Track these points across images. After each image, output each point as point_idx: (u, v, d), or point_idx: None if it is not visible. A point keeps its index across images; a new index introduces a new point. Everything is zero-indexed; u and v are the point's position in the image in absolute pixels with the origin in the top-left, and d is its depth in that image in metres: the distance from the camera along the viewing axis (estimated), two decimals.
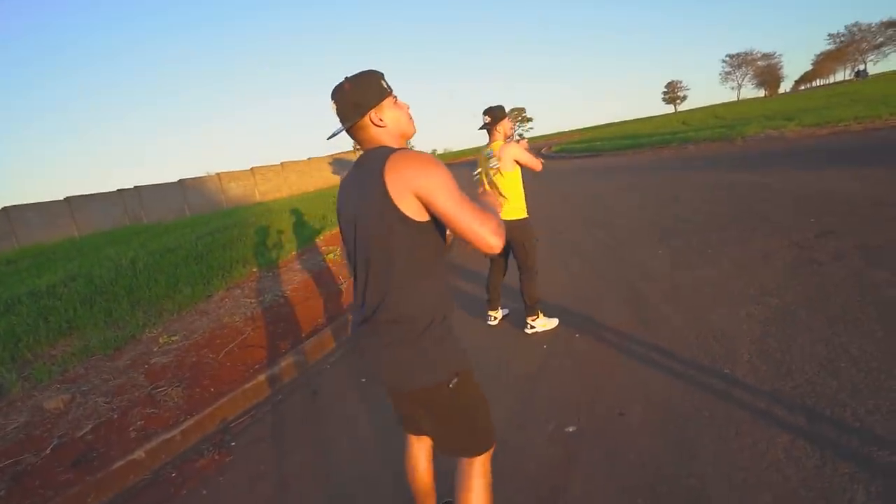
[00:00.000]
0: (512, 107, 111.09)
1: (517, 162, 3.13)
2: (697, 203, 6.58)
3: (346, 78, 1.23)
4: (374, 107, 1.21)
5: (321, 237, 7.66)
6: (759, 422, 2.02)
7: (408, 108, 1.30)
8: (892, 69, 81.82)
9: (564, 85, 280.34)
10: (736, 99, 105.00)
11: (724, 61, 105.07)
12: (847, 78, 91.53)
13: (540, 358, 2.99)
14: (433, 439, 1.46)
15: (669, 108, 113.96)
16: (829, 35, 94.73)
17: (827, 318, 2.77)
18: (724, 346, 2.69)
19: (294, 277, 5.48)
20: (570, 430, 2.21)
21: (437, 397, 1.23)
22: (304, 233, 7.94)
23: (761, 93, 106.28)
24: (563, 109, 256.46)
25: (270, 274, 5.72)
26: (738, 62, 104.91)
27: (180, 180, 22.53)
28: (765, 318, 2.93)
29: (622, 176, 11.53)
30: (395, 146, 1.24)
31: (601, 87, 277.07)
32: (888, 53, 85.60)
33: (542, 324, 3.32)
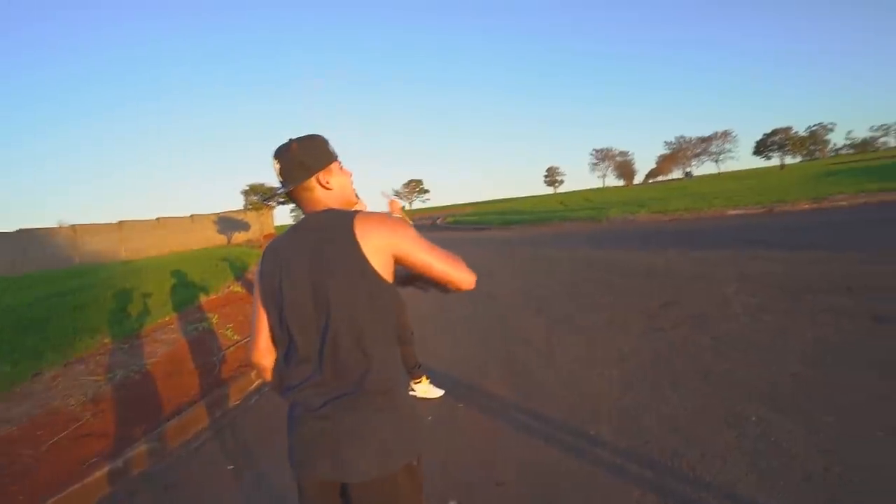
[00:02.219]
0: (409, 178, 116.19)
1: None
2: (571, 276, 7.37)
3: (293, 139, 1.21)
4: (321, 169, 1.20)
5: (200, 301, 6.97)
6: (618, 479, 2.22)
7: (351, 175, 1.31)
8: (709, 172, 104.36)
9: (461, 162, 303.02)
10: (602, 186, 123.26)
11: (591, 154, 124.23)
12: (680, 176, 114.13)
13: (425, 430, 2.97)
14: None
15: (550, 190, 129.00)
16: (665, 142, 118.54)
17: (668, 380, 3.22)
18: (590, 407, 2.96)
19: (158, 349, 4.85)
20: None
21: (402, 479, 1.11)
22: (179, 297, 7.16)
23: (621, 182, 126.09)
24: (458, 184, 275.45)
25: (127, 345, 4.99)
26: (602, 156, 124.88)
27: (19, 230, 19.16)
28: (623, 380, 3.30)
29: (508, 248, 12.51)
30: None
31: (493, 166, 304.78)
32: (705, 161, 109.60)
33: (424, 390, 3.34)
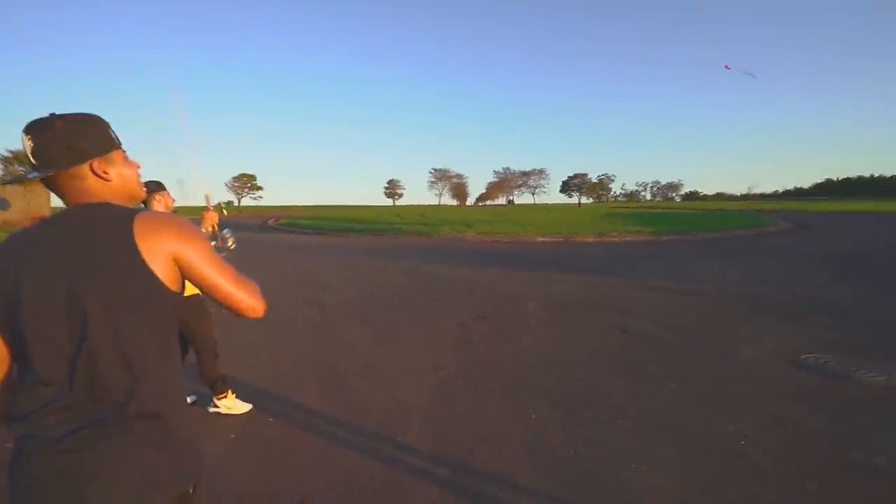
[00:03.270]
0: (241, 172, 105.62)
1: None
2: (399, 287, 7.63)
3: (55, 115, 0.99)
4: (98, 157, 1.02)
5: None
6: (420, 481, 2.36)
7: (138, 168, 1.13)
8: (527, 202, 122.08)
9: (300, 163, 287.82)
10: (438, 203, 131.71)
11: (430, 172, 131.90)
12: (504, 203, 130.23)
13: (224, 447, 2.70)
14: None
15: (389, 201, 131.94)
16: (494, 171, 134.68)
17: (474, 386, 3.58)
18: (401, 416, 3.09)
19: None
20: None
21: None
22: None
23: (455, 202, 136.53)
24: (295, 185, 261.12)
25: None
26: (440, 176, 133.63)
27: None
28: (434, 388, 3.54)
29: (342, 256, 12.32)
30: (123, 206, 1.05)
31: (333, 171, 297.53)
32: (524, 192, 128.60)
33: (228, 406, 3.07)
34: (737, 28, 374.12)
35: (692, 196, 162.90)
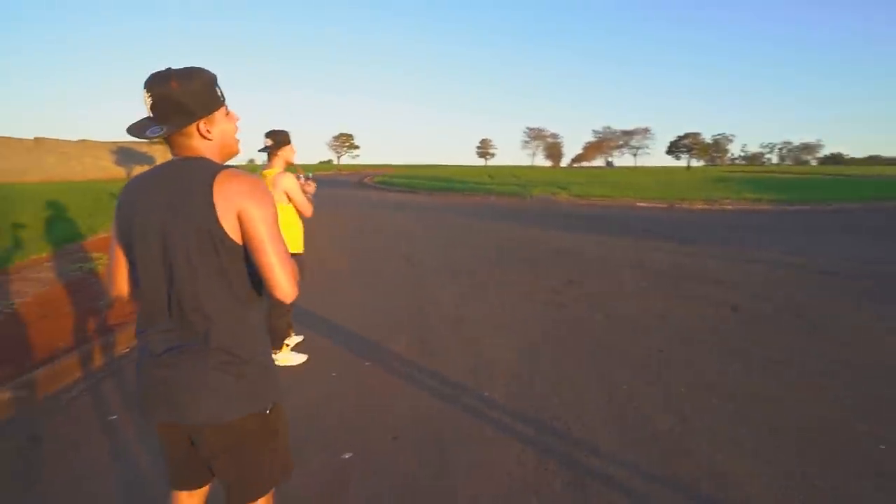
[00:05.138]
0: (340, 132, 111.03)
1: (287, 196, 3.05)
2: (489, 247, 7.65)
3: (173, 71, 1.06)
4: (205, 116, 1.09)
5: (86, 240, 6.23)
6: (502, 435, 2.43)
7: (237, 121, 1.20)
8: (627, 164, 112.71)
9: (396, 123, 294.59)
10: (531, 164, 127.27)
11: (524, 131, 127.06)
12: (603, 165, 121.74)
13: (326, 385, 3.00)
14: (229, 483, 1.23)
15: (481, 161, 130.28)
16: (593, 131, 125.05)
17: (563, 350, 3.54)
18: (488, 371, 3.17)
19: (29, 288, 4.31)
20: (347, 456, 2.27)
21: (251, 426, 1.15)
22: (59, 232, 6.35)
23: (549, 163, 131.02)
24: (390, 145, 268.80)
25: None
26: (534, 135, 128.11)
27: None
28: (522, 349, 3.56)
29: (433, 215, 12.60)
30: (218, 161, 1.15)
31: (427, 131, 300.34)
32: (625, 153, 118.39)
33: (284, 359, 3.26)
34: None
35: (834, 160, 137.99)
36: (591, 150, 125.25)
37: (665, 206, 14.82)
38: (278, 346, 3.24)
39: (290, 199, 3.06)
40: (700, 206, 14.49)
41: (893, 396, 2.81)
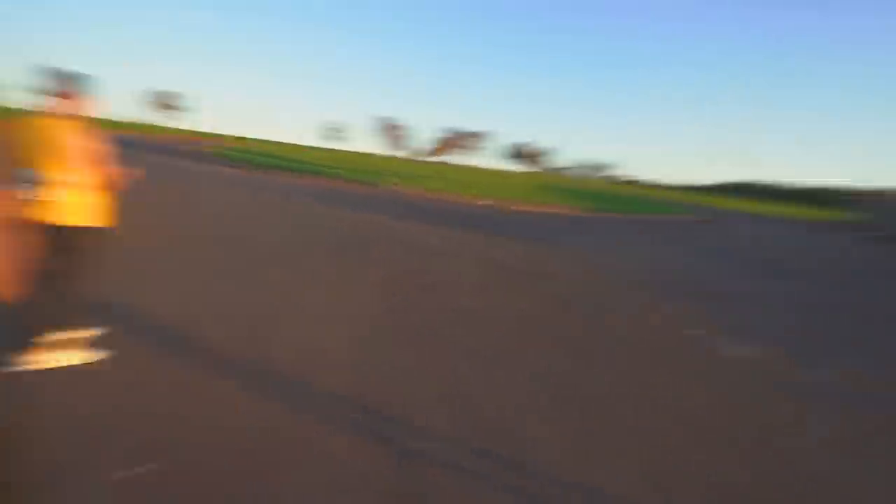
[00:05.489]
0: (162, 90, 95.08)
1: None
2: (330, 232, 7.36)
3: None
4: None
5: None
6: (335, 426, 2.33)
7: None
8: (472, 164, 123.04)
9: (237, 90, 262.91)
10: (376, 153, 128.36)
11: (375, 120, 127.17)
12: (444, 161, 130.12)
13: (130, 386, 2.48)
14: None
15: (325, 144, 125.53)
16: (441, 128, 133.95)
17: (396, 337, 3.57)
18: (319, 361, 3.01)
19: None
20: (146, 469, 1.90)
21: None
22: None
23: (396, 153, 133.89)
24: (224, 112, 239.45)
25: None
26: (385, 125, 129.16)
27: None
28: (354, 337, 3.48)
29: (274, 195, 11.61)
30: None
31: (272, 104, 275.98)
32: (469, 152, 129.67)
33: (63, 357, 2.65)
34: None
35: (628, 181, 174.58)
36: (442, 146, 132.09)
37: (497, 203, 16.37)
38: (47, 342, 2.55)
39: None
40: (532, 209, 16.41)
41: (619, 354, 3.58)
